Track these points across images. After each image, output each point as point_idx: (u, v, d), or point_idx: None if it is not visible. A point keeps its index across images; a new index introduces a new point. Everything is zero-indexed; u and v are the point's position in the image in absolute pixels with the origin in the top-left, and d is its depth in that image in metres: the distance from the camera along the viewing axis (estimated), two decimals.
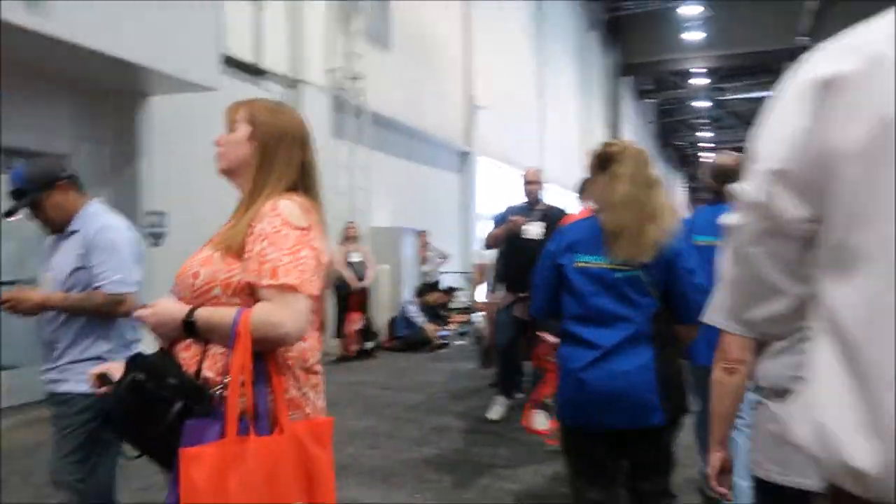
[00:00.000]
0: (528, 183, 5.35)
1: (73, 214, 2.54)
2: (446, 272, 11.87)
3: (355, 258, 8.46)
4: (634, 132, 28.88)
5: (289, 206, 1.60)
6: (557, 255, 2.31)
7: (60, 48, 5.03)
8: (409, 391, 6.40)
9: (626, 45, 25.31)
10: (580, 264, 2.23)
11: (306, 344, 1.62)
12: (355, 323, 8.37)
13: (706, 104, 30.48)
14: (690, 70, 26.12)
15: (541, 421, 3.75)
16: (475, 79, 13.99)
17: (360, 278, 8.36)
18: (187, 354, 1.57)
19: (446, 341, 9.63)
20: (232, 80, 7.49)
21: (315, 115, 8.67)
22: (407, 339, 9.11)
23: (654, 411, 2.15)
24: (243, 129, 1.72)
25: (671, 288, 2.22)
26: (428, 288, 9.99)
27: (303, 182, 1.72)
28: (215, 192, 6.79)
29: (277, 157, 1.70)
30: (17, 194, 2.49)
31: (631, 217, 2.15)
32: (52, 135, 5.96)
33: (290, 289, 1.49)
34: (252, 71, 7.82)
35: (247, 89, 7.75)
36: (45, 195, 2.49)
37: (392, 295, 9.76)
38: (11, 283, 5.93)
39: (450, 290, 11.03)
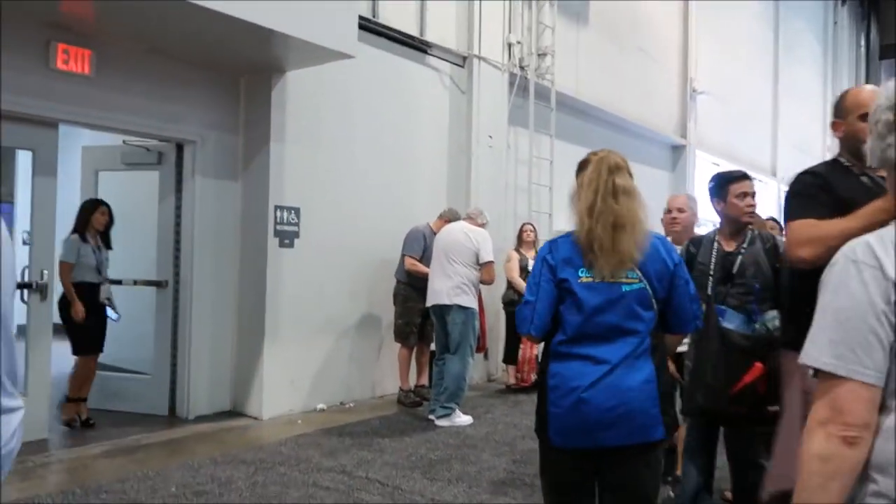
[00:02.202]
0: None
1: None
2: None
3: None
4: None
5: None
6: (557, 269, 2.16)
7: (189, 14, 4.24)
8: None
9: (887, 20, 20.88)
10: (585, 279, 2.13)
11: None
12: (533, 347, 6.88)
13: None
14: None
15: None
16: (693, 59, 11.79)
17: None
18: None
19: None
20: (390, 55, 6.42)
21: (490, 97, 7.36)
22: None
23: (656, 426, 2.09)
24: None
25: (671, 299, 2.18)
26: None
27: None
28: (354, 183, 5.59)
29: None
30: None
31: (601, 229, 2.10)
32: (178, 122, 5.25)
33: None
34: (414, 44, 6.68)
35: (407, 66, 6.64)
36: None
37: None
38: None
39: None
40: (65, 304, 4.92)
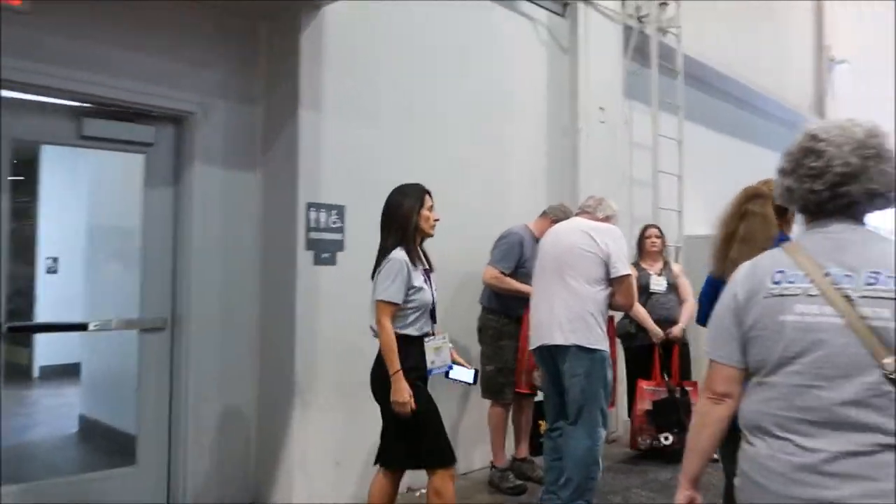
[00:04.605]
0: None
1: None
2: None
3: (658, 286, 5.06)
4: None
5: None
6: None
7: None
8: None
9: None
10: None
11: None
12: (644, 398, 4.96)
13: None
14: None
15: None
16: (829, 21, 9.67)
17: (668, 320, 4.95)
18: None
19: None
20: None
21: (600, 57, 5.52)
22: None
23: None
24: None
25: None
26: None
27: None
28: (420, 171, 3.63)
29: None
30: None
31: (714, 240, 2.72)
32: (169, 85, 3.60)
33: None
34: None
35: (491, 14, 4.87)
36: None
37: None
38: None
39: None
40: (380, 376, 2.87)
